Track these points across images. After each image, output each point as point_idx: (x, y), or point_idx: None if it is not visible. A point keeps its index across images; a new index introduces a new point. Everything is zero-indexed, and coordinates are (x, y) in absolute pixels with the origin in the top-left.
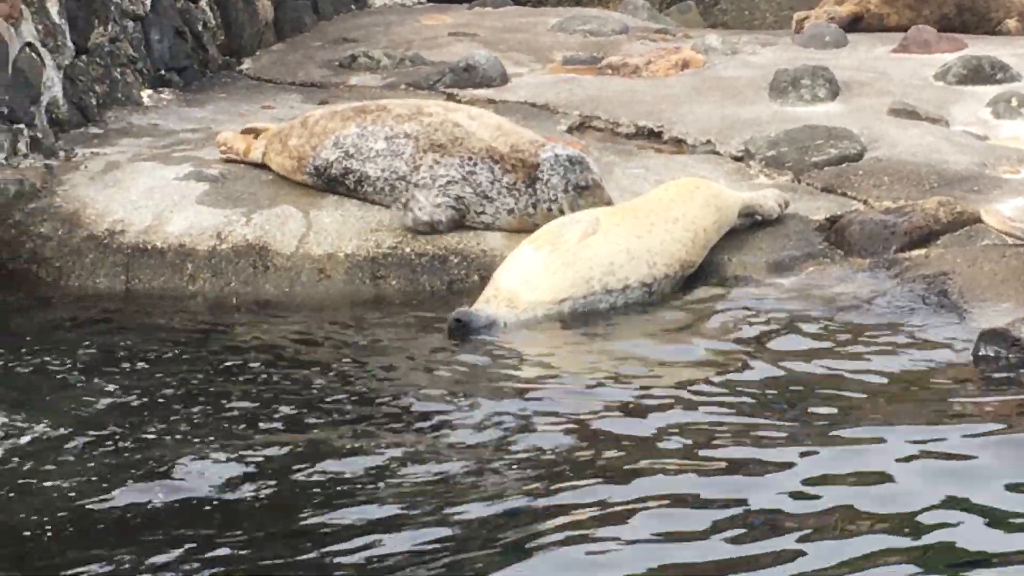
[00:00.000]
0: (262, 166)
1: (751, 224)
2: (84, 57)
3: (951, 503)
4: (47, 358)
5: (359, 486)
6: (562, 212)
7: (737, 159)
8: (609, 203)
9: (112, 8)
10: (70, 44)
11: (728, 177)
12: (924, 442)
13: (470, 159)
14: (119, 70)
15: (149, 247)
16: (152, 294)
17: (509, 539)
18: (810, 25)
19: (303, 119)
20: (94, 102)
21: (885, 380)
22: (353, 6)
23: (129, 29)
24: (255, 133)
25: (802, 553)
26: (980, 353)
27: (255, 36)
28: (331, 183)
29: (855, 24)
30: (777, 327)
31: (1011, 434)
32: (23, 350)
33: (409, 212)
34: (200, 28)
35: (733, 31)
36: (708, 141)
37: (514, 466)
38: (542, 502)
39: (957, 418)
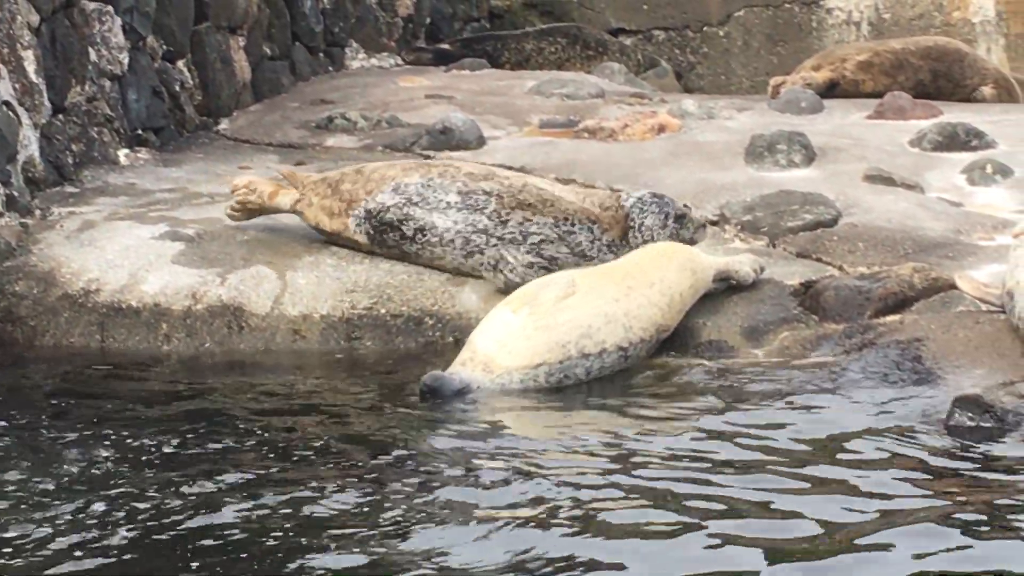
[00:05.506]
0: (254, 216)
1: (726, 288)
2: (61, 116)
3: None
4: (19, 418)
5: (333, 548)
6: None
7: (713, 223)
8: (703, 226)
9: (89, 67)
10: (47, 103)
11: (703, 241)
12: (891, 512)
13: (566, 219)
14: (96, 129)
15: (124, 306)
16: (127, 353)
17: None
18: (786, 90)
19: (358, 168)
20: (71, 161)
21: (856, 446)
22: (330, 68)
23: (106, 88)
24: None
25: None
26: (953, 420)
27: (232, 97)
28: (380, 228)
29: (831, 90)
30: (750, 393)
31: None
32: None
33: (500, 274)
34: (177, 88)
35: (710, 96)
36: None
37: (490, 538)
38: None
39: (928, 486)
